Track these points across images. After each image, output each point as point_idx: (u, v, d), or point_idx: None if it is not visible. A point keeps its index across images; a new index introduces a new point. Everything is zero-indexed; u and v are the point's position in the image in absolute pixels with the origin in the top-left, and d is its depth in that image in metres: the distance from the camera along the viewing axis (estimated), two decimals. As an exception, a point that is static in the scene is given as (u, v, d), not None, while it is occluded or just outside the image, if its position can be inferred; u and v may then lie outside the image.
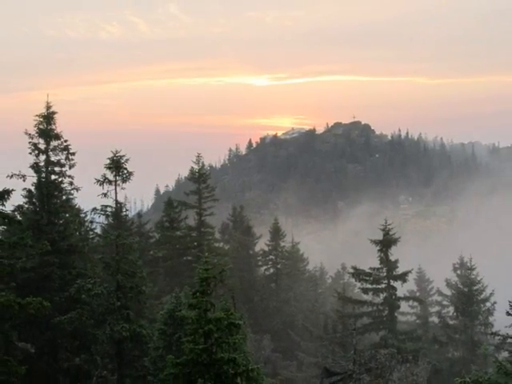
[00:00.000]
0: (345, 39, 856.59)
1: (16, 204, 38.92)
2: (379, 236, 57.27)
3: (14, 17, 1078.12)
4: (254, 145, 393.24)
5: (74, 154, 44.62)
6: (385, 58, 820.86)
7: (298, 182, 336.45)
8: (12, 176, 41.34)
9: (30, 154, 43.94)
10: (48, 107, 43.72)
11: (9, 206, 31.48)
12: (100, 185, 46.97)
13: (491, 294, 60.63)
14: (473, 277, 60.90)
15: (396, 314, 58.15)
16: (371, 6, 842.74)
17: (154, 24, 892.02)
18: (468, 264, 61.88)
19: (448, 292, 66.41)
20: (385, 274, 56.69)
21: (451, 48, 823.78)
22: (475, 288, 60.26)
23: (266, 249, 77.61)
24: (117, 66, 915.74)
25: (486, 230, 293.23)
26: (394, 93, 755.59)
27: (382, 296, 57.36)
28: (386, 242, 56.62)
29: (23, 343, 29.83)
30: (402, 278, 57.60)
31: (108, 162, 47.02)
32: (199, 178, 66.73)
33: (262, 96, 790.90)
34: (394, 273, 56.76)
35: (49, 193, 44.13)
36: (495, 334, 57.81)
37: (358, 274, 58.28)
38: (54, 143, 43.96)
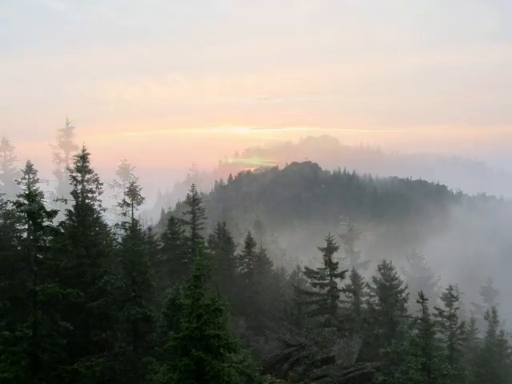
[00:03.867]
0: (302, 100, 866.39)
1: (60, 220, 38.98)
2: (324, 244, 57.68)
3: (62, 83, 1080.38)
4: (234, 178, 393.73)
5: (102, 184, 44.86)
6: (330, 114, 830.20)
7: (265, 206, 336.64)
8: (57, 200, 41.43)
9: (70, 184, 44.14)
10: (83, 150, 43.95)
11: (55, 222, 31.45)
12: (120, 206, 47.18)
13: (405, 287, 61.08)
14: (392, 275, 61.30)
15: (336, 302, 58.49)
16: (320, 77, 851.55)
17: (164, 87, 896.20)
18: (388, 265, 62.29)
19: (374, 286, 66.73)
20: (328, 272, 57.14)
21: (377, 107, 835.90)
22: (394, 283, 60.66)
23: (242, 254, 77.61)
24: (136, 119, 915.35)
25: (402, 240, 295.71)
26: (335, 140, 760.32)
27: (326, 289, 57.72)
28: (329, 249, 57.12)
29: (64, 322, 29.65)
30: (341, 275, 58.10)
31: (126, 190, 47.31)
32: (193, 202, 67.17)
33: (241, 142, 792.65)
34: (335, 272, 57.14)
35: (84, 212, 44.20)
36: (408, 316, 58.37)
37: (308, 272, 58.75)
38: (87, 176, 44.13)
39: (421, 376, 33.20)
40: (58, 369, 27.76)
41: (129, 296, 37.78)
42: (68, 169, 43.80)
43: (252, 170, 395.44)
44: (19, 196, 28.18)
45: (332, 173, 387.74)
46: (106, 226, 52.58)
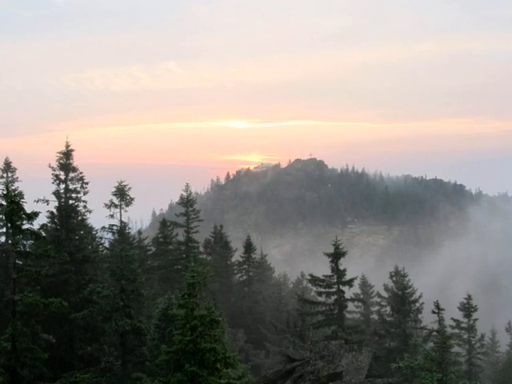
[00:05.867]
0: (306, 91, 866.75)
1: (41, 223, 38.92)
2: (331, 249, 57.59)
3: (44, 73, 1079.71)
4: (231, 177, 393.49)
5: (87, 183, 44.86)
6: (337, 106, 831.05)
7: (266, 206, 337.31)
8: (38, 201, 41.44)
9: (53, 183, 44.12)
10: (67, 146, 43.91)
11: (36, 225, 31.43)
12: (108, 208, 47.16)
13: (420, 297, 60.88)
14: (405, 282, 61.16)
15: (344, 313, 58.31)
16: (326, 67, 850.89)
17: (155, 77, 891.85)
18: (401, 272, 62.17)
19: (385, 295, 66.63)
20: (335, 280, 56.89)
21: (388, 99, 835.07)
22: (407, 291, 60.50)
23: (241, 260, 77.59)
24: (124, 112, 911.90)
25: (416, 244, 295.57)
26: (343, 135, 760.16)
27: (333, 298, 57.53)
28: (336, 255, 56.90)
29: (46, 334, 29.64)
30: (349, 283, 57.87)
31: (114, 189, 47.28)
32: (187, 202, 67.13)
33: (240, 137, 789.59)
34: (343, 279, 57.01)
35: (67, 214, 44.21)
36: (423, 328, 58.27)
37: (313, 280, 58.49)
38: (71, 174, 44.13)
39: (437, 393, 33.11)
40: (39, 386, 27.77)
41: (117, 306, 37.73)
42: (50, 166, 43.71)
43: (252, 167, 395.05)
44: (-4, 197, 28.09)
45: (339, 171, 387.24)
46: (91, 229, 52.60)
